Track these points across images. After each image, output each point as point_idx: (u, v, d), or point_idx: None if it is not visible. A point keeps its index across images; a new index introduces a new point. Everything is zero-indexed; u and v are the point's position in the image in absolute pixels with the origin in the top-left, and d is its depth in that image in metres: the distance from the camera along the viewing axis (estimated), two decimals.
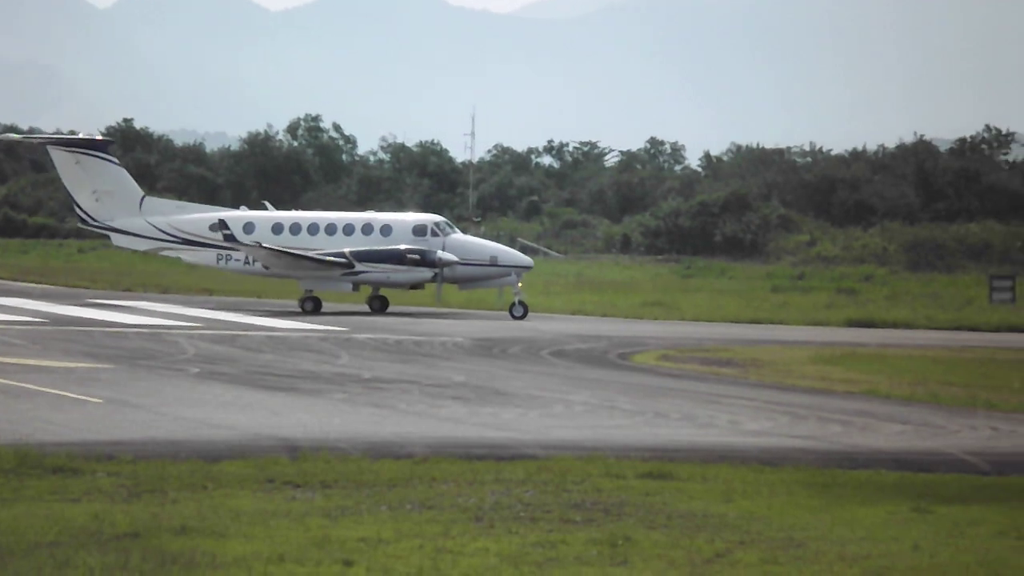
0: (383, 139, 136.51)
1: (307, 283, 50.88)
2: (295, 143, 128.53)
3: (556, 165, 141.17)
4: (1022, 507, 16.24)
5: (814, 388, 28.89)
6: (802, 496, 16.67)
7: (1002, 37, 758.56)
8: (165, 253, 53.50)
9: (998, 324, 50.48)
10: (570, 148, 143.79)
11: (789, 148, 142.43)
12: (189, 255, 52.77)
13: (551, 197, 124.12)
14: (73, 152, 52.59)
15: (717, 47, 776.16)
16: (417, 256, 49.92)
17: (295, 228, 51.73)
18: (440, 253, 50.01)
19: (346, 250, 50.52)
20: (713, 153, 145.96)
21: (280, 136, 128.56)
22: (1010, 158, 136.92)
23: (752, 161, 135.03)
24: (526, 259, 52.90)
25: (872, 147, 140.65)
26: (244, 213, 53.83)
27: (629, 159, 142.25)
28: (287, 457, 18.32)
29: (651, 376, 31.03)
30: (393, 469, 17.72)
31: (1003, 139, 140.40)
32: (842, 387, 29.00)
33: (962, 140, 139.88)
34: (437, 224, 51.54)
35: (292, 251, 50.08)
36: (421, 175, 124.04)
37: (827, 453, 19.99)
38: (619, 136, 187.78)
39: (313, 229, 51.60)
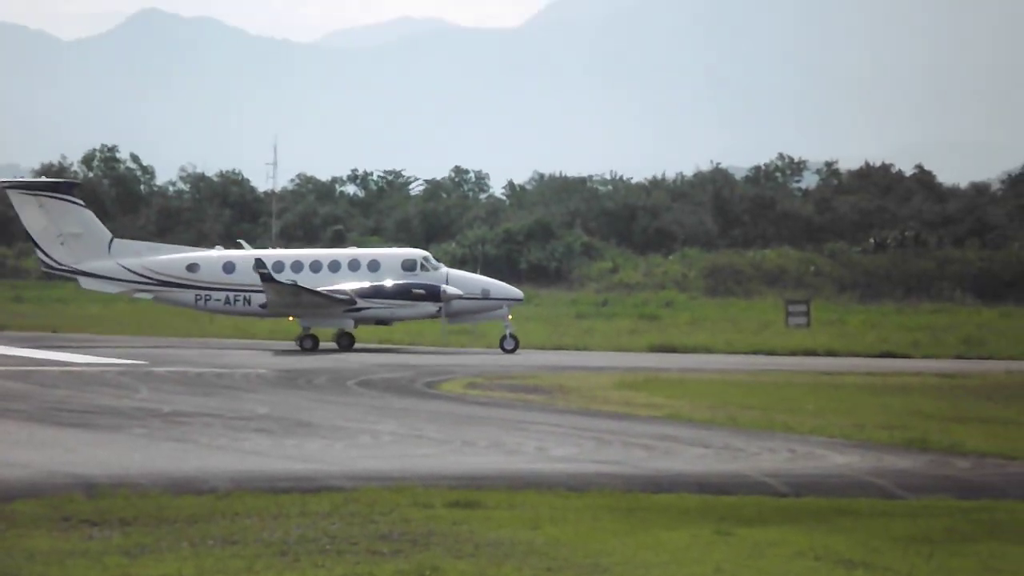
0: (182, 169, 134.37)
1: (307, 320, 50.06)
2: (91, 174, 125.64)
3: (361, 194, 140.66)
4: (819, 528, 16.59)
5: (618, 413, 29.19)
6: (607, 521, 16.77)
7: (792, 68, 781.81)
8: (139, 295, 52.66)
9: (794, 348, 51.74)
10: (375, 177, 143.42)
11: (591, 177, 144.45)
12: (166, 296, 51.98)
13: (356, 226, 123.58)
14: (36, 195, 51.58)
15: (519, 76, 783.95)
16: (423, 291, 49.45)
17: (278, 266, 50.83)
18: (445, 287, 49.62)
19: (347, 286, 49.83)
20: (517, 182, 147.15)
21: (75, 167, 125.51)
22: (803, 185, 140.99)
23: (555, 190, 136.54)
24: (517, 292, 52.83)
25: (671, 175, 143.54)
26: (223, 252, 53.25)
27: (434, 187, 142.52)
28: (83, 495, 17.78)
29: (458, 404, 31.01)
30: (195, 505, 17.33)
31: (795, 167, 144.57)
32: (645, 412, 29.34)
33: (757, 168, 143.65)
34: (426, 259, 51.42)
35: (321, 291, 49.23)
36: (222, 205, 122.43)
37: (631, 477, 20.17)
38: (424, 165, 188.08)
39: (297, 267, 50.87)
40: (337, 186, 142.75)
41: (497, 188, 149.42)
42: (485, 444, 23.93)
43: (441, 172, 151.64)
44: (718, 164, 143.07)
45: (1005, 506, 18.35)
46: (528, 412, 29.30)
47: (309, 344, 49.53)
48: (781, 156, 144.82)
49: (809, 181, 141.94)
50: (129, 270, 51.34)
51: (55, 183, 53.97)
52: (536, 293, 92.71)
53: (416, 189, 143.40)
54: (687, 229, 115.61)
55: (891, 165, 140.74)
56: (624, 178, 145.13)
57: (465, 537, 15.63)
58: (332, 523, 16.29)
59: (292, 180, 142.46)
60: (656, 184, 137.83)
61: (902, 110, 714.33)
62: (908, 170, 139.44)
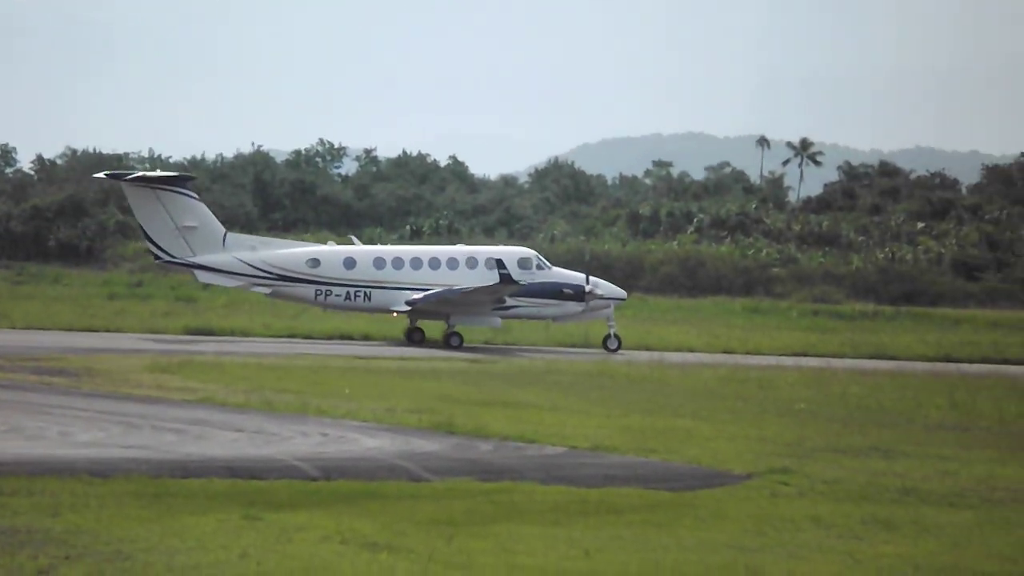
0: None
1: (458, 319, 49.04)
2: None
3: None
4: (348, 511, 16.81)
5: (150, 397, 28.64)
6: (133, 507, 16.43)
7: (331, 56, 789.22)
8: (256, 289, 50.43)
9: (330, 332, 52.39)
10: None
11: (127, 154, 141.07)
12: (285, 291, 50.33)
13: None
14: (153, 188, 49.69)
15: (55, 45, 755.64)
16: (571, 291, 48.77)
17: (398, 263, 49.84)
18: (590, 288, 48.93)
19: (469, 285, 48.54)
20: (47, 156, 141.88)
21: None
22: (343, 171, 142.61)
23: (89, 166, 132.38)
24: (621, 292, 52.05)
25: (212, 156, 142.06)
26: (341, 248, 51.47)
27: None
28: None
29: None
30: None
31: (336, 153, 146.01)
32: (178, 395, 28.92)
33: (298, 152, 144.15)
34: (539, 257, 50.37)
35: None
36: None
37: (160, 463, 19.81)
38: None
39: (416, 263, 49.70)
40: None
41: (25, 162, 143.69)
42: (4, 429, 22.94)
43: None
44: (260, 147, 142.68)
45: (523, 488, 19.13)
46: (53, 396, 28.28)
47: (456, 341, 48.82)
48: (322, 141, 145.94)
49: (349, 167, 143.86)
50: (247, 264, 49.88)
51: (172, 176, 51.62)
52: (66, 272, 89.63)
53: None
54: (227, 211, 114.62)
55: (428, 155, 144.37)
56: (163, 157, 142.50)
57: None
58: None
59: None
60: (196, 164, 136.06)
61: (437, 101, 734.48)
62: (443, 160, 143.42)
